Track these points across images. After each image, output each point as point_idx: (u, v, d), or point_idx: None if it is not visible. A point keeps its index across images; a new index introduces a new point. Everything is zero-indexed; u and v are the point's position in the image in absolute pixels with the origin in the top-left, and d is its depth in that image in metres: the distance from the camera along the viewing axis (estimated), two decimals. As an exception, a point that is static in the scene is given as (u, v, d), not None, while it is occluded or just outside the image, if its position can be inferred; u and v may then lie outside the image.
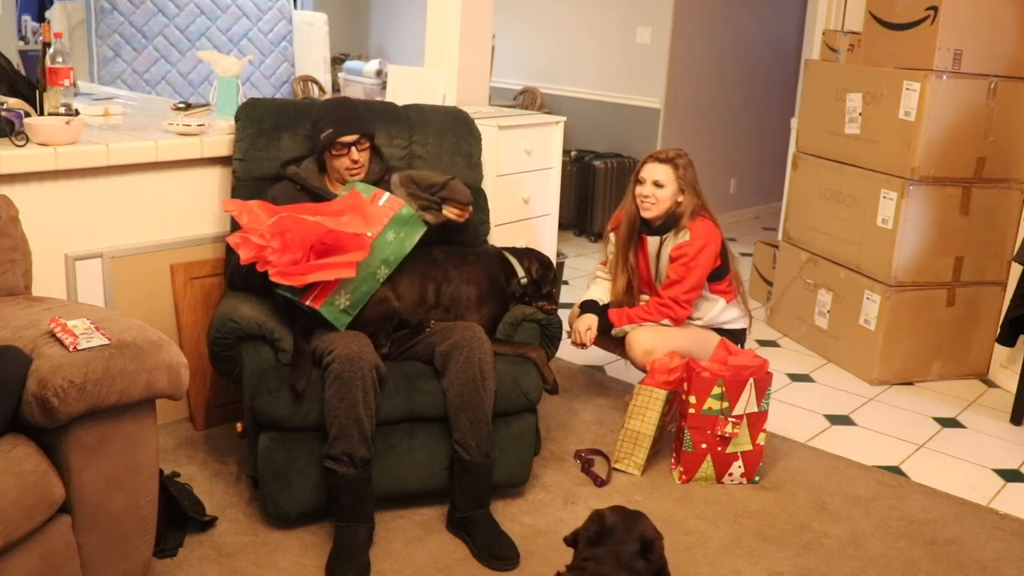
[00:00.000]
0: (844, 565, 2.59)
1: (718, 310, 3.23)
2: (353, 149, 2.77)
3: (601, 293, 3.37)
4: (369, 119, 2.88)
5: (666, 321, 3.15)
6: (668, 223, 3.17)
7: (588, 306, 3.29)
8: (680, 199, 3.14)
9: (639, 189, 3.16)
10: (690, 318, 3.22)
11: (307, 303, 2.55)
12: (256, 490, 2.62)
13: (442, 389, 2.58)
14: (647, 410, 2.98)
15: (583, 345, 3.24)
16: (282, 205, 2.67)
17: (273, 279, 2.50)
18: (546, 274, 2.97)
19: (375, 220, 2.61)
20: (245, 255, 2.50)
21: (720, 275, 3.20)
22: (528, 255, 2.99)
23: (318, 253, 2.55)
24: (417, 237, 2.69)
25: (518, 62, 7.01)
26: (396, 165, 3.02)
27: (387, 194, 2.72)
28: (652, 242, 3.22)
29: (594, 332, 3.20)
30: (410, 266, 2.76)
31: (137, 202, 2.95)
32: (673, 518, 2.77)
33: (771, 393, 2.99)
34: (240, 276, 2.69)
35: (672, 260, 3.13)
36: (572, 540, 1.96)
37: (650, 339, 3.13)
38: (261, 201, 2.67)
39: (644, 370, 3.12)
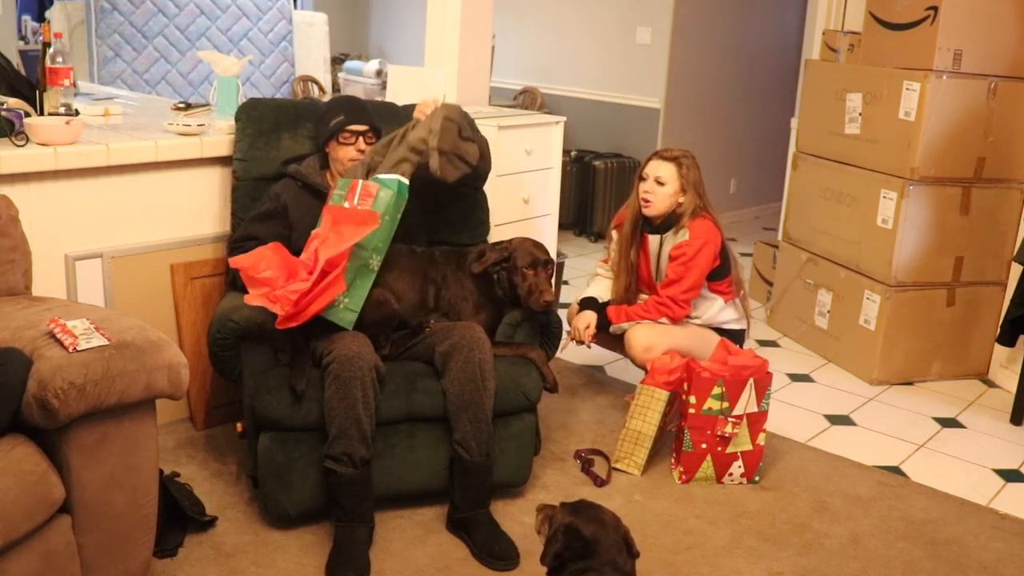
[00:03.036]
0: (844, 565, 2.59)
1: (716, 309, 3.23)
2: (361, 139, 2.80)
3: (601, 291, 3.37)
4: (377, 117, 2.90)
5: (664, 320, 3.15)
6: (669, 222, 3.18)
7: (587, 303, 3.30)
8: (681, 199, 3.14)
9: (641, 185, 3.18)
10: (688, 317, 3.22)
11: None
12: (256, 490, 2.62)
13: (442, 389, 2.58)
14: (649, 410, 2.98)
15: (582, 342, 3.24)
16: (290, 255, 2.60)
17: (279, 327, 2.44)
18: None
19: (360, 222, 2.54)
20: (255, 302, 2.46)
21: (720, 275, 3.20)
22: None
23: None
24: (399, 214, 2.60)
25: (518, 62, 7.01)
26: None
27: (361, 181, 2.63)
28: (653, 240, 3.23)
29: (593, 329, 3.20)
30: (411, 268, 2.76)
31: (137, 202, 2.95)
32: (673, 518, 2.77)
33: (771, 393, 2.99)
34: (242, 283, 2.70)
35: (671, 259, 3.14)
36: (556, 565, 1.89)
37: (649, 336, 3.13)
38: (275, 244, 2.61)
39: (643, 367, 3.13)
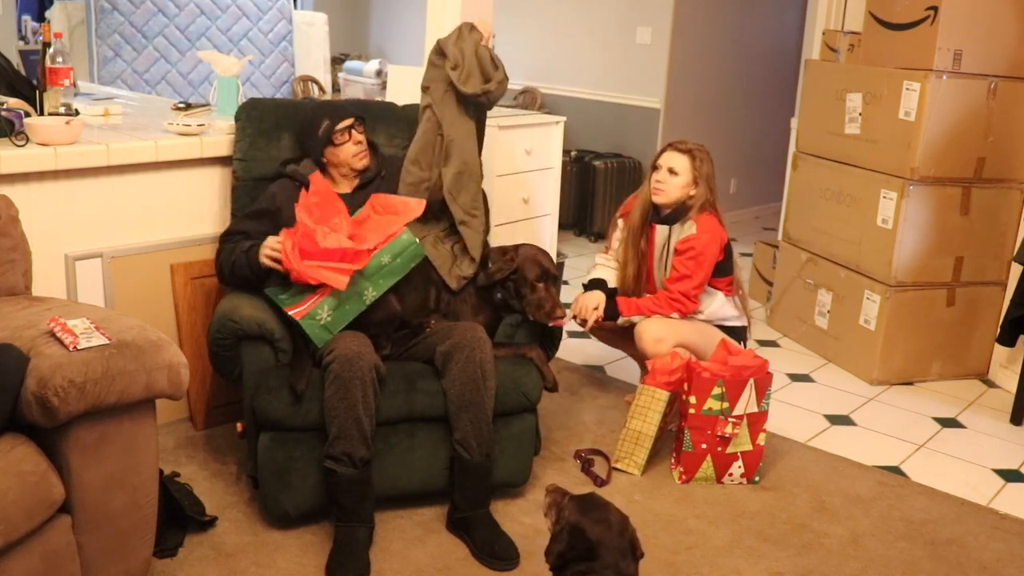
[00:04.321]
0: (844, 565, 2.59)
1: (718, 304, 3.24)
2: (354, 132, 2.81)
3: (605, 276, 3.35)
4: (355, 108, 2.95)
5: (674, 314, 3.15)
6: (677, 213, 3.18)
7: (596, 284, 3.27)
8: (692, 191, 3.15)
9: (654, 175, 3.19)
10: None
11: (291, 313, 2.53)
12: (256, 490, 2.62)
13: (442, 389, 2.58)
14: (649, 410, 2.98)
15: (585, 321, 3.16)
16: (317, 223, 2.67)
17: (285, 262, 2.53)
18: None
19: (385, 229, 2.66)
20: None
21: (723, 272, 3.20)
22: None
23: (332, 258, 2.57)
24: (412, 265, 2.67)
25: (518, 62, 7.00)
26: (392, 154, 3.03)
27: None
28: (660, 231, 3.23)
29: (601, 311, 3.15)
30: (413, 269, 2.76)
31: (137, 202, 2.95)
32: (673, 518, 2.77)
33: (771, 393, 2.99)
34: (228, 268, 2.71)
35: (678, 252, 3.14)
36: (559, 564, 1.89)
37: (660, 329, 3.13)
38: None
39: (644, 366, 3.13)
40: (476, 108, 2.93)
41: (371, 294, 2.60)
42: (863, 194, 4.02)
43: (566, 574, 1.88)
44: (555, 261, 3.88)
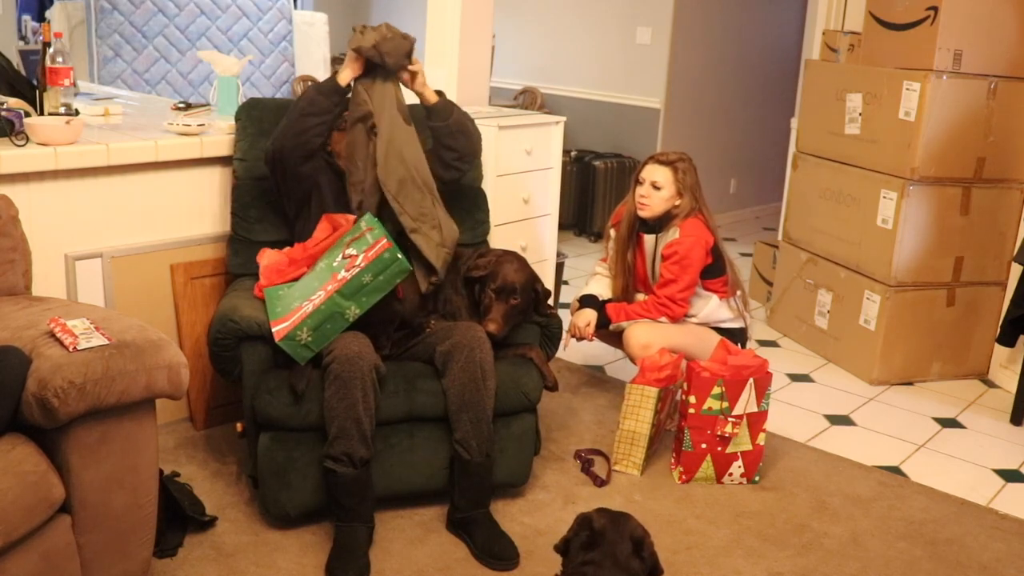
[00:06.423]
0: (844, 565, 2.59)
1: (712, 307, 3.24)
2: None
3: (601, 289, 3.39)
4: None
5: (663, 319, 3.16)
6: (662, 221, 3.19)
7: (587, 301, 3.31)
8: (677, 202, 3.16)
9: (638, 189, 3.20)
10: (686, 316, 3.23)
11: (273, 330, 2.49)
12: (256, 490, 2.62)
13: (442, 389, 2.58)
14: (640, 409, 2.98)
15: (583, 338, 3.25)
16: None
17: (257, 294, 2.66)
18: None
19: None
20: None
21: (713, 273, 3.21)
22: None
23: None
24: (397, 281, 2.53)
25: (518, 62, 7.01)
26: None
27: (384, 238, 2.56)
28: (648, 240, 3.24)
29: (593, 327, 3.22)
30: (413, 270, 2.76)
31: (137, 202, 2.95)
32: (673, 518, 2.77)
33: (771, 393, 2.99)
34: (290, 118, 2.73)
35: (664, 258, 3.15)
36: (563, 548, 1.93)
37: (647, 334, 3.14)
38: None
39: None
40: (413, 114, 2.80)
41: (354, 312, 2.51)
42: (863, 194, 4.02)
43: (569, 569, 1.89)
44: (555, 261, 3.88)
